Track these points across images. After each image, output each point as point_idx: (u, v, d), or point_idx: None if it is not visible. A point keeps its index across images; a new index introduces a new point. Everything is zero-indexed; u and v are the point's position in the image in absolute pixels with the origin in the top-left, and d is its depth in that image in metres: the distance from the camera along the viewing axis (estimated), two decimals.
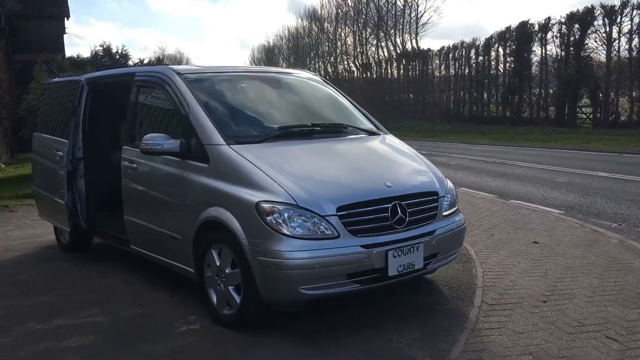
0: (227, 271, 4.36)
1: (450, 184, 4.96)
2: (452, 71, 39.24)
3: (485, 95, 36.21)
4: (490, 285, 5.16)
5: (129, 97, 5.66)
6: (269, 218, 4.03)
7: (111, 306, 5.01)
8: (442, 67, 40.47)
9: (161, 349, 4.12)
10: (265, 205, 4.06)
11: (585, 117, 29.96)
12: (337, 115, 5.59)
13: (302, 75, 6.12)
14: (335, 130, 5.20)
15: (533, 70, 32.42)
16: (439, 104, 40.83)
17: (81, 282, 5.75)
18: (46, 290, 5.52)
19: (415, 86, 43.71)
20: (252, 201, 4.11)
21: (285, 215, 4.03)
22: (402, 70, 45.87)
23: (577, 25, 29.01)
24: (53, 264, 6.45)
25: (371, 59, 51.75)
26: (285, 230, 4.00)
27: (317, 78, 6.20)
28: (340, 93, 5.96)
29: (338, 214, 4.10)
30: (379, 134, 5.40)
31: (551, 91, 31.70)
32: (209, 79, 5.31)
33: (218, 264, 4.43)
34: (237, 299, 4.32)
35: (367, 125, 5.53)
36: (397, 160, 4.95)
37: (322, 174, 4.44)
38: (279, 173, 4.25)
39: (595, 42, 28.47)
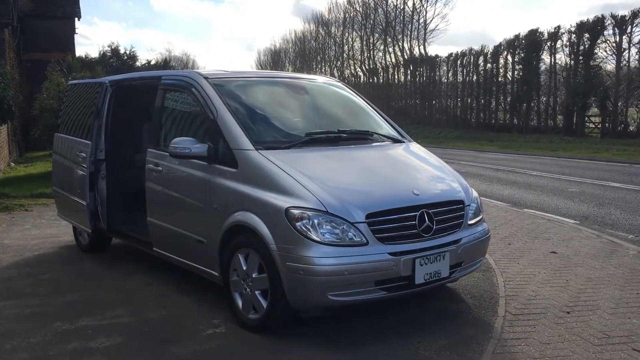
0: (253, 275, 4.40)
1: (475, 193, 4.99)
2: (459, 78, 39.28)
3: (493, 103, 36.20)
4: (512, 295, 5.18)
5: (153, 100, 5.70)
6: (298, 224, 4.07)
7: (136, 307, 5.05)
8: (450, 74, 40.51)
9: (188, 351, 4.15)
10: (295, 211, 4.09)
11: (593, 126, 29.94)
12: (362, 122, 5.62)
13: (326, 81, 6.17)
14: (361, 137, 5.24)
15: (542, 79, 32.41)
16: (445, 110, 40.86)
17: (104, 282, 5.78)
18: (70, 290, 5.56)
19: (422, 92, 43.73)
20: (281, 207, 4.14)
21: (315, 221, 4.07)
22: (409, 76, 45.93)
23: (586, 35, 29.00)
24: (74, 264, 6.49)
25: (378, 64, 51.88)
26: (314, 237, 4.03)
27: (340, 84, 6.24)
28: (363, 99, 6.00)
29: (367, 221, 4.14)
30: (404, 142, 5.44)
31: (559, 100, 31.69)
32: (235, 84, 5.35)
33: (245, 268, 4.47)
34: (264, 303, 4.35)
35: (392, 132, 5.56)
36: (423, 169, 4.98)
37: (351, 181, 4.48)
38: (308, 179, 4.29)
39: (605, 51, 28.48)
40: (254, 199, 4.36)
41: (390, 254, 4.15)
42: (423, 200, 4.43)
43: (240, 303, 4.57)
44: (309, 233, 4.04)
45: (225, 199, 4.61)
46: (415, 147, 5.42)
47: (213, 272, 4.84)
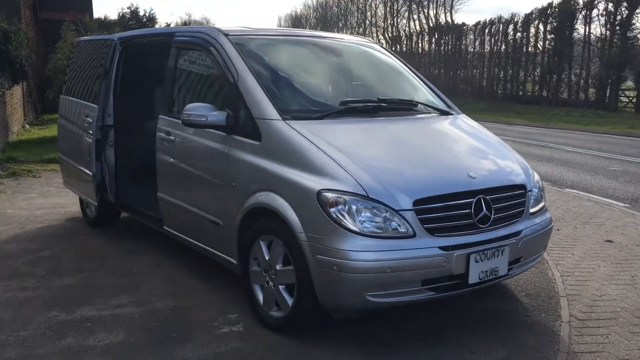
0: (277, 267, 3.76)
1: (537, 176, 4.28)
2: (487, 47, 38.00)
3: (521, 74, 34.97)
4: (573, 293, 4.50)
5: (166, 60, 5.02)
6: (332, 210, 3.40)
7: (142, 294, 4.45)
8: (477, 43, 39.22)
9: (201, 355, 3.54)
10: (329, 195, 3.42)
11: (627, 100, 28.75)
12: (403, 90, 4.90)
13: (361, 42, 5.40)
14: (404, 108, 4.51)
15: (574, 50, 31.13)
16: (471, 81, 39.70)
17: (109, 262, 5.19)
18: (71, 270, 4.98)
19: (446, 62, 42.51)
20: (313, 188, 3.48)
21: (353, 207, 3.40)
22: (433, 45, 44.64)
23: (624, 4, 27.64)
24: (78, 239, 5.91)
25: (402, 31, 50.57)
26: (351, 226, 3.37)
27: (377, 46, 5.49)
28: (404, 64, 5.26)
29: (414, 208, 3.46)
30: (452, 114, 4.71)
31: (592, 72, 30.43)
32: (259, 43, 4.64)
33: (267, 258, 3.83)
34: (289, 300, 3.72)
35: (438, 102, 4.83)
36: (477, 146, 4.26)
37: (395, 160, 3.79)
38: (345, 156, 3.61)
39: None
40: (279, 178, 3.69)
41: (440, 248, 3.48)
42: (480, 185, 3.74)
43: (260, 297, 3.95)
44: (345, 221, 3.38)
45: (246, 176, 3.95)
46: (465, 120, 4.69)
47: (230, 258, 4.22)
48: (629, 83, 28.96)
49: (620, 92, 29.00)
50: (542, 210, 4.17)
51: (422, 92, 4.88)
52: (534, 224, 4.00)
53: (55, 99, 14.53)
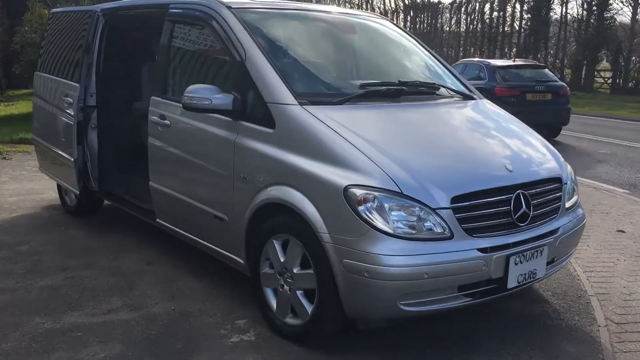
0: (295, 271, 3.36)
1: (569, 167, 3.95)
2: (462, 26, 37.81)
3: (497, 54, 34.84)
4: (602, 292, 4.21)
5: (159, 35, 4.54)
6: (361, 208, 3.01)
7: (136, 296, 4.03)
8: (453, 22, 39.00)
9: None
10: (358, 191, 3.03)
11: (603, 81, 28.83)
12: (422, 71, 4.49)
13: (375, 19, 4.96)
14: (426, 91, 4.11)
15: (551, 30, 31.05)
16: (447, 60, 39.42)
17: (95, 259, 4.73)
18: (53, 268, 4.51)
19: (422, 40, 42.04)
20: (339, 184, 3.08)
21: (385, 205, 3.01)
22: (409, 23, 44.22)
23: None
24: (58, 231, 5.42)
25: (376, 9, 49.94)
26: (383, 226, 2.99)
27: (391, 24, 5.06)
28: (420, 43, 4.85)
29: (452, 206, 3.09)
30: (474, 98, 4.33)
31: (569, 53, 30.43)
32: (266, 17, 4.19)
33: (282, 260, 3.43)
34: (308, 307, 3.33)
35: (458, 85, 4.44)
36: (509, 135, 3.89)
37: (426, 151, 3.41)
38: (373, 147, 3.21)
39: (621, 2, 27.14)
40: (297, 171, 3.28)
41: (479, 250, 3.12)
42: (518, 179, 3.39)
43: (273, 302, 3.55)
44: (376, 221, 2.99)
45: (257, 168, 3.53)
46: (488, 105, 4.31)
47: (236, 258, 3.81)
48: (605, 64, 29.01)
49: (595, 73, 29.05)
50: (576, 205, 3.85)
51: (442, 74, 4.48)
52: (569, 221, 3.68)
53: (23, 74, 13.80)
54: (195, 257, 4.58)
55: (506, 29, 33.76)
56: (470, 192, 3.16)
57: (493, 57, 34.93)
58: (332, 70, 4.08)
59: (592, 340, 3.52)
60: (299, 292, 3.37)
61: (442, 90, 4.18)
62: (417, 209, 3.04)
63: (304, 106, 3.43)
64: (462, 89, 4.38)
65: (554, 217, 3.55)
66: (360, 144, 3.20)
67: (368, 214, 3.00)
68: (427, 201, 3.04)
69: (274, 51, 3.82)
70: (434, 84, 4.18)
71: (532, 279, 3.38)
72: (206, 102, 3.63)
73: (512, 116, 4.25)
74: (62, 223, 5.65)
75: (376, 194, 3.02)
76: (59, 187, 6.07)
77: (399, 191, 3.03)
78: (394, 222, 2.99)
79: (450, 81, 4.40)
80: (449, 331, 3.60)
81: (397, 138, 3.43)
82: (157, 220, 4.59)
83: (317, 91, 3.74)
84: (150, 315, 3.76)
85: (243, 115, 3.65)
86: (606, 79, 28.66)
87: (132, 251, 4.90)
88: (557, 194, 3.61)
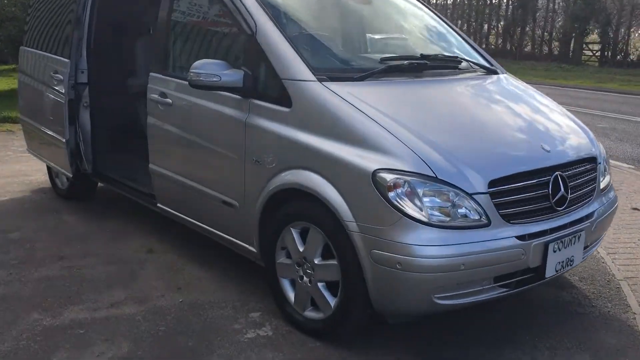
0: (316, 261, 3.12)
1: (601, 145, 3.72)
2: None
3: (484, 27, 34.51)
4: (631, 276, 4.02)
5: (154, 6, 4.21)
6: (392, 194, 2.76)
7: (140, 287, 3.77)
8: None
9: None
10: (388, 176, 2.77)
11: (591, 54, 28.67)
12: (441, 43, 4.20)
13: None
14: (449, 65, 3.83)
15: (539, 2, 30.74)
16: None
17: (93, 246, 4.45)
18: (49, 257, 4.22)
19: None
20: (366, 168, 2.82)
21: (419, 191, 2.76)
22: None
23: None
24: (51, 216, 5.11)
25: None
26: (416, 214, 2.74)
27: None
28: (436, 14, 4.55)
29: (489, 191, 2.85)
30: (497, 72, 4.06)
31: (557, 25, 30.18)
32: None
33: (301, 249, 3.18)
34: (331, 300, 3.09)
35: (479, 59, 4.17)
36: (540, 112, 3.64)
37: (458, 131, 3.15)
38: (402, 127, 2.95)
39: None
40: (318, 153, 3.01)
41: (517, 237, 2.89)
42: (556, 159, 3.15)
43: (291, 294, 3.31)
44: (408, 209, 2.74)
45: (271, 150, 3.26)
46: (513, 80, 4.05)
47: (248, 246, 3.56)
48: (593, 36, 28.83)
49: (584, 46, 28.87)
50: (609, 186, 3.63)
51: (462, 46, 4.20)
52: (604, 203, 3.47)
53: (2, 49, 13.26)
54: (199, 243, 4.32)
55: (494, 1, 33.38)
56: (509, 175, 2.92)
57: (480, 30, 34.67)
58: (348, 43, 3.81)
59: (631, 330, 3.33)
60: (320, 284, 3.13)
61: (465, 64, 3.91)
62: (452, 194, 2.80)
63: (323, 82, 3.15)
64: (483, 62, 4.11)
65: (590, 200, 3.34)
66: (388, 124, 2.94)
67: (399, 200, 2.75)
68: (463, 186, 2.80)
69: (287, 23, 3.54)
70: (457, 57, 3.91)
71: (569, 266, 3.18)
72: (214, 79, 3.34)
73: (537, 91, 4.00)
74: (54, 208, 5.34)
75: (408, 178, 2.77)
76: (49, 169, 5.75)
77: (433, 175, 2.78)
78: (428, 210, 2.75)
79: (472, 54, 4.13)
80: (482, 323, 3.39)
81: (425, 117, 3.17)
82: (159, 205, 4.32)
83: (336, 66, 3.47)
84: (157, 308, 3.50)
85: (254, 93, 3.37)
86: (595, 52, 28.49)
87: (131, 237, 4.62)
88: (592, 175, 3.39)
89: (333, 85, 3.14)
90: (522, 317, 3.45)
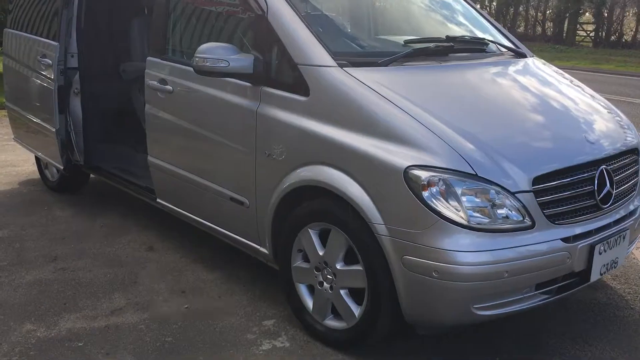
0: (338, 266, 2.83)
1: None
2: None
3: (477, 6, 34.13)
4: None
5: None
6: (426, 194, 2.47)
7: (141, 292, 3.47)
8: None
9: None
10: (422, 173, 2.48)
11: (585, 35, 28.41)
12: (465, 24, 3.88)
13: None
14: (475, 48, 3.51)
15: None
16: None
17: (87, 245, 4.14)
18: (41, 258, 3.91)
19: None
20: (397, 164, 2.52)
21: (457, 190, 2.47)
22: None
23: None
24: (41, 211, 4.79)
25: None
26: (455, 216, 2.45)
27: None
28: None
29: (533, 189, 2.56)
30: (525, 55, 3.76)
31: (550, 5, 29.86)
32: None
33: (321, 253, 2.89)
34: (355, 309, 2.81)
35: (504, 40, 3.85)
36: (577, 100, 3.35)
37: (494, 122, 2.86)
38: (435, 118, 2.65)
39: None
40: (341, 148, 2.71)
41: (562, 240, 2.62)
42: (601, 152, 2.88)
43: (309, 301, 3.03)
44: (446, 210, 2.46)
45: (286, 143, 2.95)
46: (542, 64, 3.76)
47: (258, 247, 3.27)
48: (587, 17, 28.55)
49: (578, 26, 28.59)
50: None
51: (486, 27, 3.89)
52: None
53: None
54: (202, 241, 4.03)
55: None
56: (553, 170, 2.64)
57: None
58: (366, 24, 3.50)
59: None
60: (342, 291, 2.84)
61: (491, 46, 3.60)
62: (493, 193, 2.51)
63: (344, 68, 2.84)
64: (509, 44, 3.80)
65: (632, 195, 3.07)
66: (419, 115, 2.64)
67: (435, 200, 2.46)
68: (505, 184, 2.51)
69: (300, 3, 3.20)
70: (483, 39, 3.59)
71: (613, 268, 2.92)
72: (222, 65, 3.01)
73: (569, 76, 3.71)
74: (44, 201, 5.01)
75: (445, 176, 2.48)
76: (38, 159, 5.41)
77: (473, 172, 2.49)
78: (467, 211, 2.46)
79: (496, 36, 3.82)
80: (506, 327, 3.12)
81: (458, 107, 2.87)
82: (158, 200, 4.01)
83: (356, 50, 3.16)
84: (161, 316, 3.21)
85: (266, 80, 3.06)
86: (589, 32, 28.23)
87: (128, 235, 4.31)
88: (635, 168, 3.12)
89: (356, 72, 2.83)
90: (559, 323, 3.19)
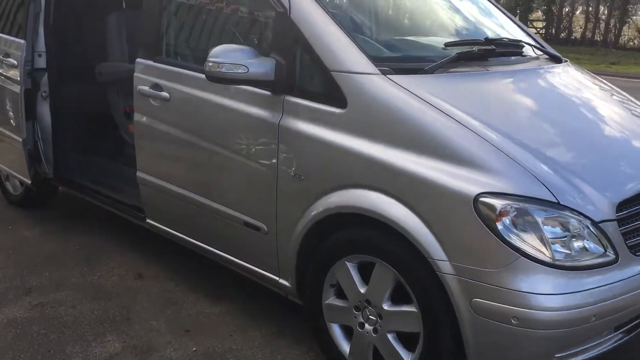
0: (385, 307, 2.43)
1: None
2: None
3: None
4: None
5: None
6: (502, 226, 2.10)
7: (138, 332, 3.00)
8: None
9: None
10: (496, 202, 2.11)
11: (536, 31, 28.75)
12: (494, 24, 3.51)
13: None
14: (514, 51, 3.15)
15: None
16: None
17: (66, 273, 3.62)
18: (13, 291, 3.38)
19: None
20: (465, 191, 2.14)
21: (539, 221, 2.11)
22: None
23: None
24: (6, 232, 4.21)
25: None
26: (537, 253, 2.10)
27: None
28: None
29: (618, 216, 2.23)
30: (561, 60, 3.42)
31: (501, 2, 30.12)
32: None
33: (362, 290, 2.49)
34: (406, 356, 2.43)
35: (534, 42, 3.51)
36: (631, 110, 3.03)
37: (565, 140, 2.52)
38: (503, 136, 2.28)
39: None
40: (390, 169, 2.31)
41: None
42: None
43: (345, 345, 2.63)
44: (526, 245, 2.10)
45: (318, 162, 2.54)
46: (578, 70, 3.42)
47: (277, 278, 2.85)
48: (537, 14, 28.93)
49: (528, 23, 28.91)
50: None
51: (515, 29, 3.54)
52: None
53: None
54: (196, 264, 3.58)
55: None
56: (637, 193, 2.31)
57: None
58: (400, 23, 3.10)
59: None
60: (390, 335, 2.45)
61: (527, 49, 3.25)
62: (574, 223, 2.16)
63: (387, 76, 2.45)
64: (542, 47, 3.47)
65: None
66: (484, 132, 2.27)
67: (513, 234, 2.10)
68: (589, 212, 2.17)
69: None
70: (520, 41, 3.24)
71: None
72: (241, 71, 2.57)
73: (607, 82, 3.41)
74: (8, 220, 4.43)
75: (524, 205, 2.12)
76: None
77: (555, 200, 2.13)
78: (552, 246, 2.10)
79: (528, 38, 3.48)
80: None
81: (520, 121, 2.51)
82: (148, 221, 3.53)
83: (393, 54, 2.75)
84: None
85: (289, 88, 2.63)
86: (539, 29, 28.56)
87: (109, 258, 3.81)
88: None
89: (402, 80, 2.44)
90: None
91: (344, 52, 2.51)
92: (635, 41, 25.24)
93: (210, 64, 2.60)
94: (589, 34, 26.39)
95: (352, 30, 2.70)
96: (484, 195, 2.12)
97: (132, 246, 3.96)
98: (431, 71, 2.57)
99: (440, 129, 2.28)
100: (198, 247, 3.26)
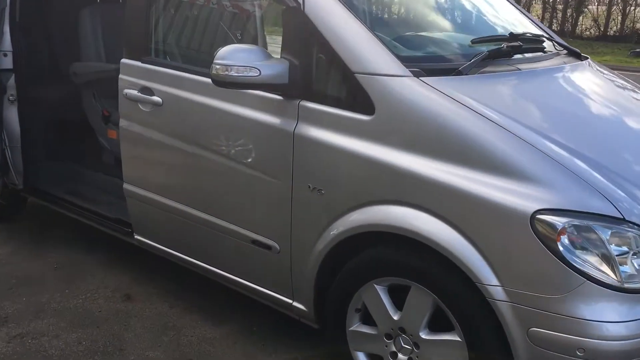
0: (422, 335, 2.19)
1: None
2: None
3: None
4: None
5: None
6: (563, 247, 1.88)
7: None
8: None
9: None
10: (557, 220, 1.88)
11: None
12: (510, 19, 3.28)
13: None
14: (537, 47, 2.92)
15: None
16: None
17: (44, 296, 3.26)
18: None
19: None
20: (520, 208, 1.91)
21: (604, 238, 1.90)
22: None
23: None
24: None
25: None
26: (603, 276, 1.88)
27: None
28: None
29: None
30: (580, 55, 3.21)
31: None
32: None
33: (396, 317, 2.24)
34: None
35: (552, 37, 3.30)
36: None
37: (613, 146, 2.31)
38: (556, 145, 2.06)
39: None
40: (430, 183, 2.06)
41: None
42: None
43: None
44: (592, 268, 1.88)
45: (341, 175, 2.28)
46: (599, 66, 3.23)
47: (291, 302, 2.58)
48: None
49: None
50: None
51: (529, 23, 3.31)
52: None
53: None
54: (190, 280, 3.27)
55: None
56: None
57: None
58: (427, 21, 2.83)
59: None
60: None
61: (547, 44, 3.03)
62: (636, 240, 1.95)
63: (420, 78, 2.19)
64: (560, 42, 3.25)
65: None
66: (535, 140, 2.04)
67: (576, 256, 1.88)
68: None
69: None
70: (541, 36, 3.02)
71: None
72: (253, 74, 2.28)
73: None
74: None
75: (589, 222, 1.89)
76: None
77: (620, 216, 1.92)
78: (620, 268, 1.89)
79: (545, 33, 3.26)
80: None
81: (569, 127, 2.29)
82: (137, 237, 3.21)
83: (422, 53, 2.50)
84: None
85: (305, 92, 2.36)
86: None
87: (92, 278, 3.46)
88: None
89: (437, 82, 2.19)
90: None
91: (369, 52, 2.25)
92: (592, 30, 25.65)
93: (217, 66, 2.31)
94: (546, 24, 26.68)
95: (380, 27, 2.44)
96: (542, 212, 1.89)
97: (116, 262, 3.62)
98: (465, 72, 2.32)
99: (486, 138, 2.04)
100: (197, 267, 2.97)
